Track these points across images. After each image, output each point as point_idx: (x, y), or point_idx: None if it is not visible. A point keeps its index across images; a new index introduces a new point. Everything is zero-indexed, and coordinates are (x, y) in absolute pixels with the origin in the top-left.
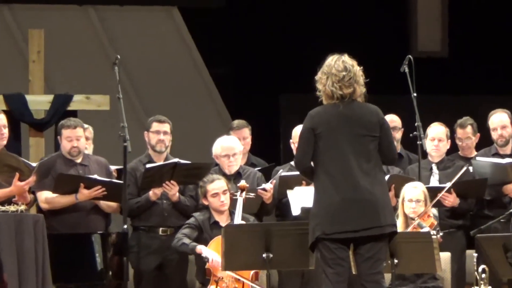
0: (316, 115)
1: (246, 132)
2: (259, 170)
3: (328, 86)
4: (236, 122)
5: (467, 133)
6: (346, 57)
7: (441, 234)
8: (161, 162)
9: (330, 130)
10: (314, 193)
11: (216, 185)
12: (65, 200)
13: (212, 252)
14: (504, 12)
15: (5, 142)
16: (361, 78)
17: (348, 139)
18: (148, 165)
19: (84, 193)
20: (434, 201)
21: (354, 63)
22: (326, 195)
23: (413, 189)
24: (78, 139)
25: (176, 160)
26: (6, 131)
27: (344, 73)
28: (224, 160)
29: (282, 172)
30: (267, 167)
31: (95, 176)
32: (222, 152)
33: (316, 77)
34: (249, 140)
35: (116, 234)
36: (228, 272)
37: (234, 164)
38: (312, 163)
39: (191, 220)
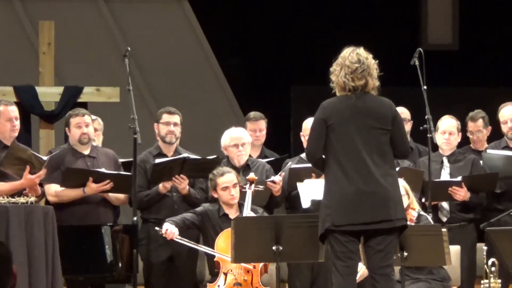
0: (329, 106)
1: (262, 124)
2: (269, 161)
3: (340, 77)
4: (253, 113)
5: (478, 126)
6: (361, 50)
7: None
8: (170, 158)
9: (342, 121)
10: (325, 184)
11: (226, 178)
12: (73, 193)
13: (168, 224)
14: None
15: (16, 134)
16: (374, 71)
17: (360, 131)
18: (157, 160)
19: (91, 187)
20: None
21: (369, 56)
22: (338, 187)
23: None
24: (87, 125)
25: (185, 155)
26: (18, 123)
27: (357, 65)
28: (233, 150)
29: (292, 164)
30: (278, 158)
31: (103, 170)
32: (231, 142)
33: (331, 69)
34: (264, 132)
35: (123, 226)
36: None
37: (243, 154)
38: (323, 155)
39: (199, 208)
